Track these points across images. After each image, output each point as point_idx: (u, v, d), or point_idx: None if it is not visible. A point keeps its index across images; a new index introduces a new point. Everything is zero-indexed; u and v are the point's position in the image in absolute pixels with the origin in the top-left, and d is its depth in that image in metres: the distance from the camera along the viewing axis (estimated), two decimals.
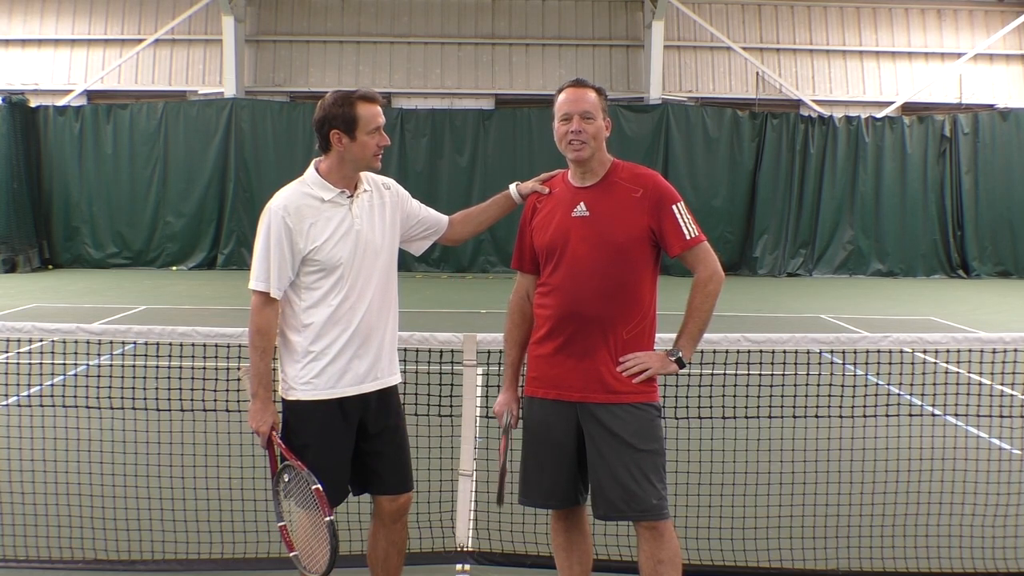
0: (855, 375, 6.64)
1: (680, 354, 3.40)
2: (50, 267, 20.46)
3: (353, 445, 3.54)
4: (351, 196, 3.51)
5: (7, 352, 6.03)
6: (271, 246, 3.41)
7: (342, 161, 3.48)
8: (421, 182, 20.55)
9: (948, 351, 4.96)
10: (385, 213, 3.61)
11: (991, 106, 22.17)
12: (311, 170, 3.54)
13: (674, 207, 3.38)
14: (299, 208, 3.43)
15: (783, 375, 5.04)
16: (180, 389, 5.03)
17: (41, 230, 20.54)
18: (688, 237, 3.37)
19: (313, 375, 3.46)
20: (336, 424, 3.48)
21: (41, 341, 8.85)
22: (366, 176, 3.61)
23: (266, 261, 3.41)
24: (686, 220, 3.38)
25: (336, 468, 3.50)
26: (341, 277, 3.44)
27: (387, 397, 3.60)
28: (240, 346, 4.51)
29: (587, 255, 3.37)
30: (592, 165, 3.45)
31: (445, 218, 3.86)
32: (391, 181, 3.74)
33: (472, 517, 4.51)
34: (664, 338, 3.54)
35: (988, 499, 4.99)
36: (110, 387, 5.08)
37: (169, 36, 21.94)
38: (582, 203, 3.43)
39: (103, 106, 21.03)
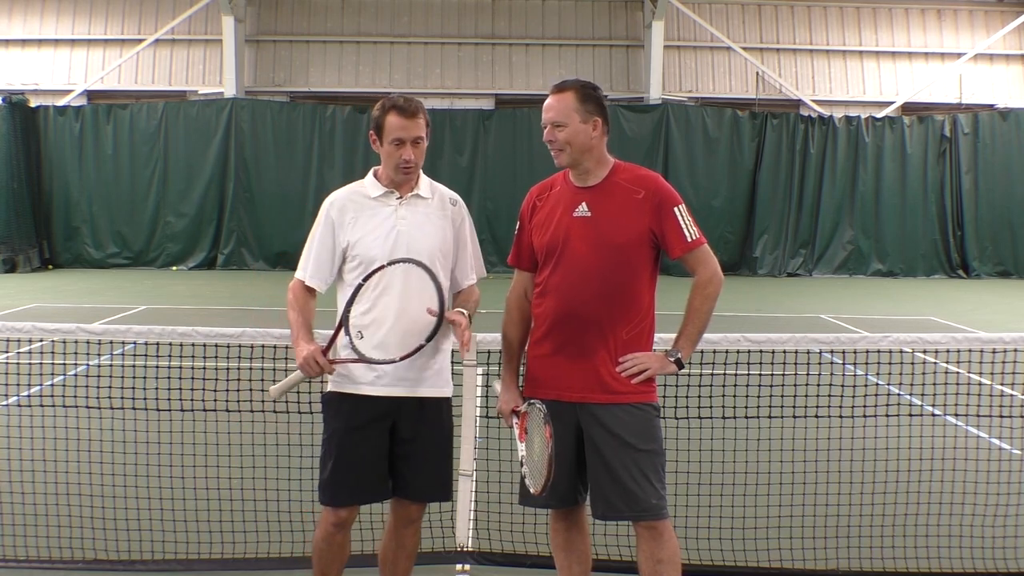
0: (855, 375, 6.64)
1: (679, 355, 3.40)
2: (50, 267, 20.46)
3: (384, 445, 3.52)
4: (401, 198, 3.54)
5: (7, 352, 6.03)
6: (315, 238, 3.54)
7: (382, 163, 3.58)
8: None
9: (948, 351, 4.95)
10: (442, 224, 3.60)
11: (991, 106, 22.17)
12: (371, 171, 3.67)
13: (675, 209, 3.38)
14: (344, 202, 3.55)
15: (783, 375, 5.04)
16: (180, 389, 5.03)
17: (41, 230, 20.55)
18: (689, 239, 3.37)
19: (345, 370, 3.47)
20: (361, 420, 3.47)
21: (41, 341, 8.86)
22: (429, 184, 3.63)
23: (308, 251, 3.55)
24: (687, 222, 3.38)
25: (361, 464, 3.48)
26: (376, 272, 3.45)
27: (427, 406, 3.54)
28: (240, 346, 4.53)
29: (587, 255, 3.37)
30: (587, 166, 3.44)
31: (472, 281, 3.75)
32: (459, 199, 3.74)
33: (472, 517, 4.51)
34: (664, 338, 3.54)
35: (988, 499, 4.99)
36: (110, 387, 5.08)
37: (169, 36, 21.95)
38: (584, 203, 3.42)
39: (103, 106, 21.05)
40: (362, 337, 3.46)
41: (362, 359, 3.43)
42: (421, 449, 3.56)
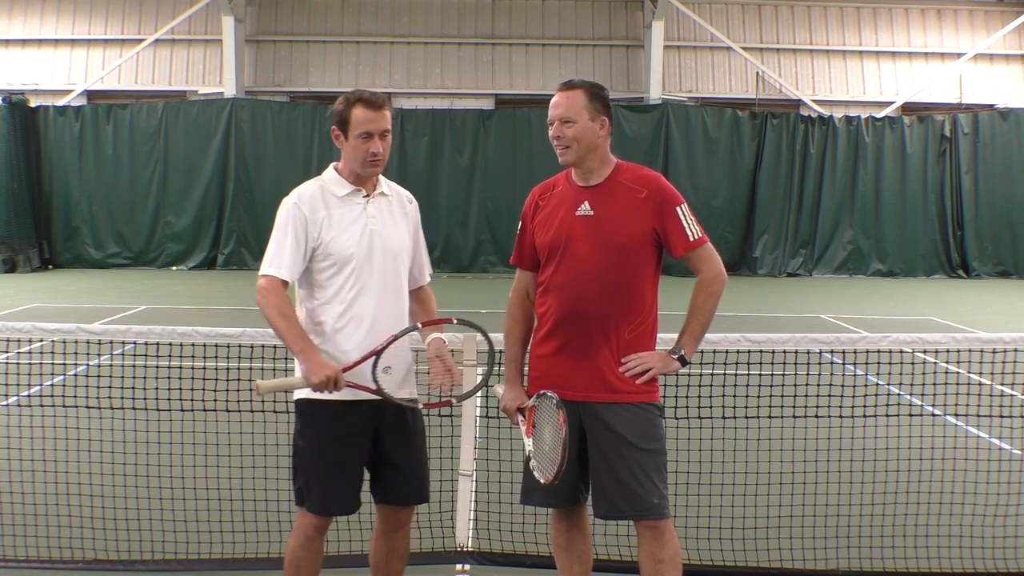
0: (855, 375, 6.64)
1: (682, 352, 3.41)
2: (50, 267, 20.46)
3: (366, 452, 3.49)
4: (367, 196, 3.51)
5: (7, 352, 6.02)
6: (287, 233, 3.40)
7: (345, 160, 3.51)
8: (421, 182, 20.55)
9: (948, 351, 4.95)
10: (404, 223, 3.61)
11: (991, 106, 22.17)
12: (330, 168, 3.58)
13: (678, 209, 3.39)
14: (313, 199, 3.45)
15: (783, 375, 5.04)
16: (180, 389, 5.03)
17: (41, 230, 20.55)
18: (692, 239, 3.38)
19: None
20: (346, 428, 3.43)
21: (41, 341, 8.85)
22: (387, 183, 3.62)
23: (280, 247, 3.40)
24: (689, 222, 3.39)
25: (346, 472, 3.46)
26: (353, 272, 3.42)
27: (405, 409, 3.53)
28: (240, 346, 4.52)
29: (589, 255, 3.38)
30: (591, 165, 3.44)
31: (428, 277, 3.77)
32: (413, 198, 3.74)
33: (472, 517, 4.51)
34: (665, 338, 3.54)
35: (988, 499, 4.99)
36: (110, 387, 5.08)
37: (169, 36, 21.95)
38: (586, 202, 3.43)
39: (103, 106, 21.05)
40: (389, 373, 3.41)
41: (380, 393, 3.34)
42: (405, 453, 3.54)
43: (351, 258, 3.42)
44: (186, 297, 15.82)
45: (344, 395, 3.38)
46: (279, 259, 3.38)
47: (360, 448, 3.48)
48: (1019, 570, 4.42)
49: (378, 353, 3.35)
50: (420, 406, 3.44)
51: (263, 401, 4.80)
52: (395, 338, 3.37)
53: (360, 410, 3.43)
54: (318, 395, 3.39)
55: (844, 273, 21.09)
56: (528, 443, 3.41)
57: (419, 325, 3.45)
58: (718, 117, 21.13)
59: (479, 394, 4.54)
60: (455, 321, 3.54)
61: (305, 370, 3.26)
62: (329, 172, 3.56)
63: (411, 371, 3.57)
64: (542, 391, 3.40)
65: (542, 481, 3.32)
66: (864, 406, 5.41)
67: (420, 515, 4.43)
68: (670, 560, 3.38)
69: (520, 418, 3.50)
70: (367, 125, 3.41)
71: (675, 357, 3.40)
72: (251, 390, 3.67)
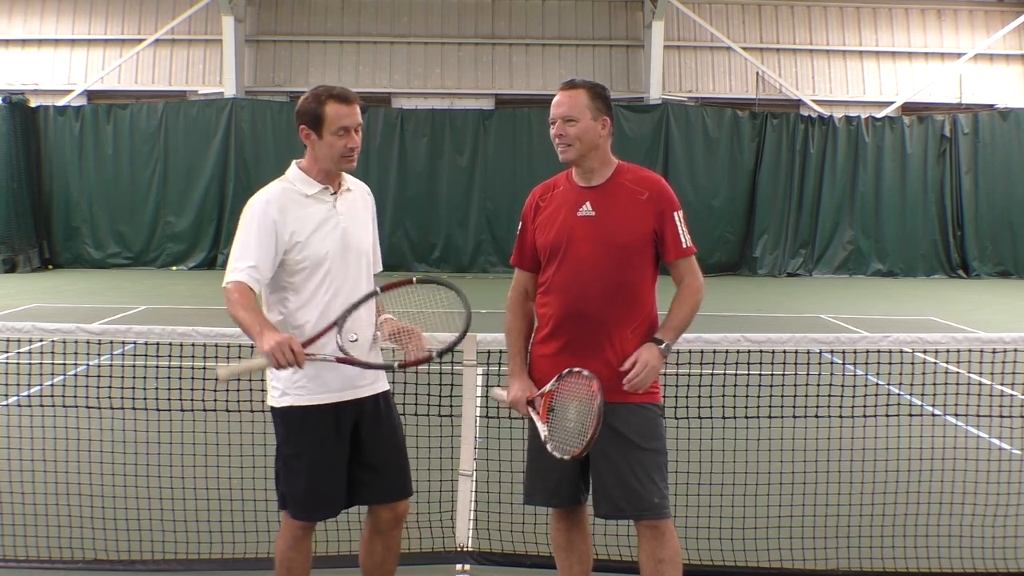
0: (855, 375, 6.64)
1: (667, 343, 3.39)
2: (50, 267, 20.46)
3: (348, 452, 3.46)
4: (335, 194, 3.48)
5: (7, 352, 6.02)
6: (255, 238, 3.30)
7: (316, 158, 3.45)
8: (421, 182, 20.57)
9: (948, 351, 4.95)
10: (366, 216, 3.61)
11: (991, 106, 22.16)
12: (292, 168, 3.52)
13: (675, 214, 3.43)
14: (283, 202, 3.38)
15: (783, 375, 5.04)
16: (180, 389, 5.04)
17: (41, 230, 20.54)
18: (684, 246, 3.43)
19: (308, 379, 3.38)
20: (332, 432, 3.42)
21: (41, 341, 8.85)
22: (349, 178, 3.60)
23: (246, 251, 3.29)
24: (683, 229, 3.43)
25: (332, 477, 3.44)
26: (328, 273, 3.39)
27: (380, 402, 3.53)
28: (240, 346, 4.52)
29: (590, 255, 3.38)
30: (592, 165, 3.45)
31: (380, 267, 3.71)
32: (370, 190, 3.73)
33: (472, 517, 4.51)
34: None
35: (988, 499, 4.99)
36: (110, 387, 5.08)
37: (169, 36, 21.94)
38: (588, 203, 3.43)
39: (103, 106, 21.04)
40: (356, 340, 3.37)
41: (352, 361, 3.29)
42: (382, 450, 3.52)
43: (325, 258, 3.38)
44: (186, 297, 15.82)
45: (325, 397, 3.39)
46: (243, 263, 3.27)
47: (343, 450, 3.46)
48: (1019, 570, 4.42)
49: (338, 324, 3.31)
50: (396, 366, 3.34)
51: (263, 401, 4.81)
52: (354, 307, 3.33)
53: (342, 409, 3.43)
54: (301, 401, 3.38)
55: (844, 273, 21.09)
56: (543, 429, 3.36)
57: (379, 290, 3.41)
58: (718, 117, 21.13)
59: (479, 395, 4.56)
60: (415, 280, 3.51)
61: (259, 346, 3.11)
62: (293, 171, 3.49)
63: (376, 341, 3.53)
64: (569, 368, 3.34)
65: (567, 458, 3.24)
66: (864, 406, 5.42)
67: (420, 515, 4.45)
68: (670, 560, 3.38)
69: (531, 409, 3.47)
70: (344, 120, 3.37)
71: (661, 348, 3.37)
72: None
